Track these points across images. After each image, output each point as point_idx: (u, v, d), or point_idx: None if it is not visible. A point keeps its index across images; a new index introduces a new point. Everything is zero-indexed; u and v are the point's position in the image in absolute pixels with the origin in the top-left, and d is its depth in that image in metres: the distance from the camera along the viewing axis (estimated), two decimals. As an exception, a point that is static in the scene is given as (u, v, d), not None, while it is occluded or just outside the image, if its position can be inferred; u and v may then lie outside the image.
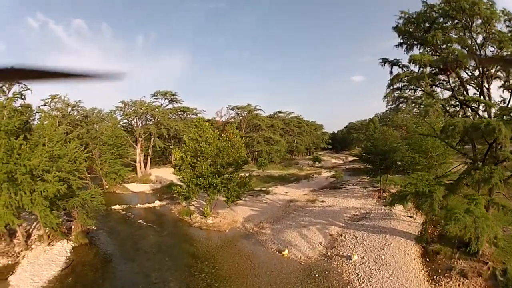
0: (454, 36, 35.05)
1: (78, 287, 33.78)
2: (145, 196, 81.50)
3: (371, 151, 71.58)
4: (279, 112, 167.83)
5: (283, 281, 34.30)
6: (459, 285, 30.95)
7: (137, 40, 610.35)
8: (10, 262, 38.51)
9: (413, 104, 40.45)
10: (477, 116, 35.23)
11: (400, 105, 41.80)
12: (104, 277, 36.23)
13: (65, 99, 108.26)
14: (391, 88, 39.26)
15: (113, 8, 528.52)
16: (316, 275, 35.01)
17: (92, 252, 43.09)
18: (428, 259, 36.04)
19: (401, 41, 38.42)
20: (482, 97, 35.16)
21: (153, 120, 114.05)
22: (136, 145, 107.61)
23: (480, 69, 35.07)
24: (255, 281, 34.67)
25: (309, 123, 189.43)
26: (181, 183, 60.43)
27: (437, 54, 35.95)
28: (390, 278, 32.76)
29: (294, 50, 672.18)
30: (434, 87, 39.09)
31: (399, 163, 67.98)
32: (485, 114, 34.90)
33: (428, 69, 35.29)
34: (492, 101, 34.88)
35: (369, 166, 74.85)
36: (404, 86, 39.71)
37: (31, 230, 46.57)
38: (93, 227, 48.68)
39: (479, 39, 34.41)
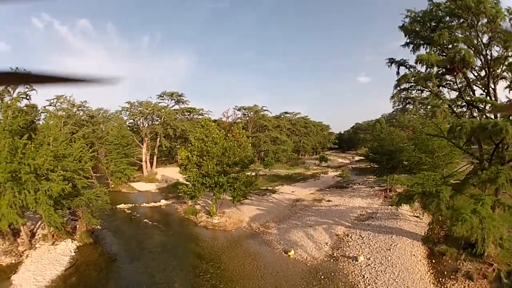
0: (460, 35, 34.78)
1: (82, 287, 33.55)
2: (151, 195, 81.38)
3: (378, 151, 71.34)
4: (286, 112, 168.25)
5: (289, 282, 33.93)
6: (464, 287, 30.63)
7: (143, 40, 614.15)
8: (13, 261, 38.42)
9: (420, 105, 40.09)
10: (484, 116, 34.93)
11: (407, 106, 41.52)
12: (108, 277, 36.05)
13: (71, 100, 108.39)
14: (398, 88, 39.01)
15: (118, 8, 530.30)
16: (322, 277, 34.64)
17: (97, 252, 42.91)
18: (434, 260, 35.59)
19: (408, 40, 38.11)
20: (488, 97, 34.87)
21: (159, 120, 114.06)
22: (142, 144, 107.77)
23: (487, 69, 34.81)
24: (260, 282, 34.31)
25: (316, 123, 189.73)
26: (187, 182, 60.19)
27: (444, 54, 35.66)
28: (396, 280, 32.35)
29: (299, 50, 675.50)
30: (441, 87, 38.80)
31: (406, 162, 67.75)
32: (492, 115, 34.60)
33: (435, 69, 35.06)
34: (498, 102, 34.60)
35: (376, 166, 74.71)
36: (411, 86, 39.46)
37: (35, 229, 46.48)
38: (98, 226, 48.56)
39: (485, 38, 34.12)
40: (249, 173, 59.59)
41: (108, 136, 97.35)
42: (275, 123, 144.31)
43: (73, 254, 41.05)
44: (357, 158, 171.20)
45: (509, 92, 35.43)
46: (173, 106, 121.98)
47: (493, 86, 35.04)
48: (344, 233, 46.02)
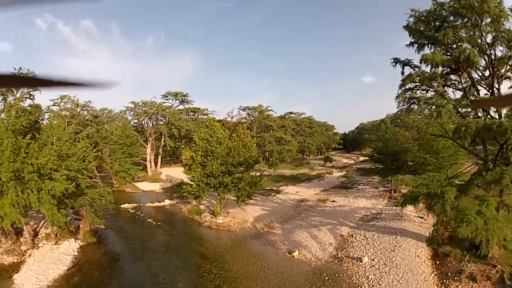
0: (464, 35, 34.63)
1: (84, 286, 33.51)
2: (155, 195, 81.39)
3: (382, 151, 71.05)
4: (291, 112, 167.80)
5: (293, 283, 33.80)
6: (467, 289, 30.54)
7: (147, 41, 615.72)
8: (15, 261, 38.45)
9: (425, 105, 39.94)
10: (489, 116, 34.79)
11: (412, 106, 41.36)
12: (111, 277, 36.00)
13: (75, 99, 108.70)
14: (403, 88, 38.89)
15: (121, 9, 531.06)
16: (326, 278, 34.48)
17: (100, 251, 42.89)
18: (438, 262, 35.35)
19: (412, 40, 37.92)
20: (493, 97, 34.68)
21: (164, 120, 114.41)
22: (147, 144, 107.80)
23: (491, 69, 34.65)
24: (264, 283, 34.18)
25: (321, 123, 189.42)
26: (192, 182, 60.01)
27: (448, 53, 35.51)
28: (400, 281, 32.15)
29: (303, 50, 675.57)
30: (446, 87, 38.66)
31: (410, 163, 67.48)
32: (496, 115, 34.48)
33: (440, 69, 34.96)
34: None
35: (380, 166, 74.48)
36: (416, 86, 39.33)
37: (38, 228, 46.47)
38: (102, 226, 48.61)
39: (489, 38, 33.95)
40: (253, 173, 59.41)
41: (112, 136, 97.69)
42: (279, 123, 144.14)
43: (76, 253, 41.08)
44: (361, 158, 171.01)
45: (514, 92, 35.20)
46: (178, 106, 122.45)
47: (497, 86, 34.80)
48: (348, 234, 45.84)
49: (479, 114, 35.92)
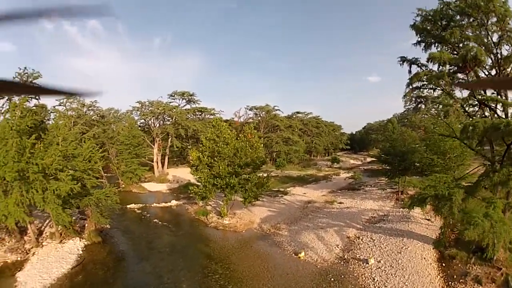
0: (470, 34, 34.44)
1: (87, 286, 33.45)
2: (162, 196, 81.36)
3: (390, 152, 70.73)
4: (298, 112, 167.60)
5: (298, 284, 33.60)
6: (472, 291, 30.37)
7: (154, 41, 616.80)
8: (19, 259, 38.51)
9: (433, 104, 39.71)
10: (496, 115, 34.55)
11: (420, 105, 41.12)
12: (115, 276, 35.93)
13: (80, 99, 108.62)
14: (411, 87, 38.69)
15: (128, 9, 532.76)
16: (332, 279, 34.29)
17: (105, 251, 42.85)
18: (444, 264, 35.17)
19: (419, 39, 37.74)
20: (499, 96, 34.44)
21: (170, 120, 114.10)
22: (154, 144, 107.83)
23: (497, 68, 34.43)
24: (269, 283, 33.99)
25: (328, 123, 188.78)
26: (198, 183, 59.83)
27: (455, 52, 35.34)
28: (406, 283, 31.92)
29: (310, 50, 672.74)
30: (453, 86, 38.44)
31: (417, 164, 67.08)
32: (503, 115, 34.25)
33: (447, 68, 34.73)
34: (510, 100, 34.16)
35: (387, 167, 74.20)
36: (423, 85, 39.11)
37: (43, 227, 46.60)
38: (107, 226, 48.63)
39: (495, 37, 33.79)
40: (260, 174, 59.23)
41: (119, 136, 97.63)
42: (287, 123, 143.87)
43: (81, 252, 41.09)
44: (368, 159, 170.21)
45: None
46: (184, 105, 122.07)
47: (503, 85, 34.50)
48: (355, 236, 45.62)
49: (486, 114, 35.71)
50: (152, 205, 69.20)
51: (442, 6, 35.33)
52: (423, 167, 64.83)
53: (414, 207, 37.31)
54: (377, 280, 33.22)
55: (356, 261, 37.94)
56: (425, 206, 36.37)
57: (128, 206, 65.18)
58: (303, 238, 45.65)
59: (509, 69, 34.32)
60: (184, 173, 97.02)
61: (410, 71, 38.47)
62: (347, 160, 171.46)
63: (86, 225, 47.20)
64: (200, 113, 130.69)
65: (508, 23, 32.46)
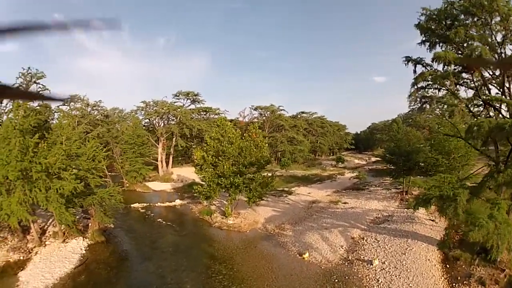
0: (475, 33, 34.29)
1: (90, 285, 33.40)
2: (166, 195, 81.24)
3: (394, 152, 70.42)
4: (303, 112, 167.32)
5: (302, 285, 33.47)
6: (476, 293, 30.25)
7: (158, 41, 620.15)
8: (21, 258, 38.54)
9: (438, 103, 39.59)
10: (500, 116, 34.40)
11: (425, 105, 40.94)
12: (118, 276, 35.87)
13: (85, 99, 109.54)
14: (416, 87, 38.50)
15: (131, 9, 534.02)
16: (336, 280, 34.11)
17: (108, 250, 42.80)
18: (448, 265, 34.99)
19: (424, 38, 37.66)
20: (504, 96, 34.26)
21: (175, 120, 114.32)
22: (158, 144, 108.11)
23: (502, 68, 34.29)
24: (273, 284, 33.88)
25: (333, 123, 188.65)
26: (203, 182, 59.82)
27: (460, 52, 35.23)
28: (410, 285, 31.76)
29: (314, 50, 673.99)
30: (458, 85, 38.24)
31: (422, 164, 66.85)
32: (508, 115, 34.09)
33: (452, 67, 34.56)
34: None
35: (392, 167, 73.96)
36: (428, 85, 38.92)
37: (46, 226, 46.66)
38: (111, 225, 48.52)
39: (499, 37, 33.68)
40: (265, 174, 58.89)
41: (123, 136, 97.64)
42: (291, 123, 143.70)
43: (84, 252, 41.10)
44: (373, 159, 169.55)
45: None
46: (189, 105, 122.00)
47: (508, 85, 34.39)
48: (359, 236, 45.44)
49: (491, 114, 35.55)
50: (156, 205, 69.26)
51: (446, 5, 35.29)
52: (428, 167, 64.68)
53: (419, 207, 37.17)
54: (381, 282, 33.02)
55: (361, 262, 37.74)
56: (430, 206, 36.31)
57: (132, 205, 65.22)
58: (308, 238, 45.49)
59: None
60: (188, 173, 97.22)
61: (415, 71, 38.35)
62: (352, 159, 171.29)
63: (90, 224, 47.27)
64: (204, 113, 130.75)
65: (512, 23, 32.35)
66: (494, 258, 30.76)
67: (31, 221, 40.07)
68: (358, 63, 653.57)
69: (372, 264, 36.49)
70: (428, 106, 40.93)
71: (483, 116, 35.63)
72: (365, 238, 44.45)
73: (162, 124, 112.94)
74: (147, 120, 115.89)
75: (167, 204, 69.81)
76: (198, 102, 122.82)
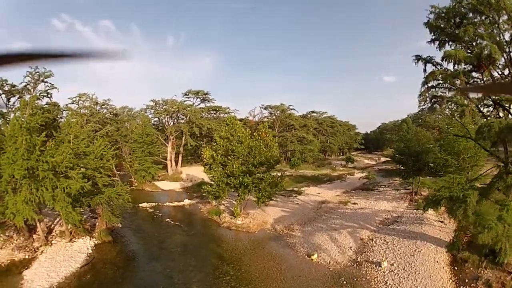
0: (483, 32, 33.91)
1: (96, 284, 33.39)
2: (175, 194, 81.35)
3: (404, 152, 70.31)
4: (313, 112, 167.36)
5: (310, 287, 33.33)
6: (482, 296, 30.01)
7: (167, 41, 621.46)
8: (27, 257, 38.56)
9: (448, 103, 39.25)
10: (510, 116, 34.05)
11: (435, 105, 40.57)
12: (124, 276, 35.75)
13: (93, 97, 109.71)
14: (426, 86, 38.14)
15: (140, 9, 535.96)
16: (344, 282, 33.84)
17: (115, 250, 42.71)
18: (456, 268, 34.78)
19: (433, 37, 37.33)
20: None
21: (185, 118, 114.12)
22: (167, 143, 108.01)
23: (510, 67, 33.87)
24: (281, 286, 33.68)
25: (343, 123, 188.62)
26: (212, 182, 59.51)
27: (469, 51, 34.89)
28: (418, 287, 31.56)
29: (324, 49, 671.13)
30: (468, 85, 37.86)
31: (431, 164, 66.54)
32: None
33: (462, 66, 34.25)
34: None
35: (402, 168, 73.89)
36: (438, 84, 38.54)
37: (53, 225, 46.76)
38: (119, 225, 48.50)
39: (507, 36, 33.29)
40: (275, 174, 58.78)
41: (132, 135, 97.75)
42: (301, 122, 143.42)
43: (90, 251, 41.08)
44: (383, 159, 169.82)
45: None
46: (199, 104, 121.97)
47: (517, 85, 33.98)
48: (368, 237, 45.20)
49: (500, 114, 35.24)
50: (165, 204, 69.21)
51: (454, 3, 34.93)
52: (437, 167, 64.50)
53: (428, 209, 36.96)
54: (390, 284, 32.77)
55: (369, 264, 37.48)
56: (440, 208, 36.39)
57: (140, 204, 65.22)
58: (316, 239, 45.19)
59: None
60: (198, 172, 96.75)
61: (425, 70, 38.08)
62: (362, 160, 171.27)
63: (97, 223, 47.13)
64: (214, 111, 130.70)
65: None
66: (502, 261, 30.44)
67: (37, 220, 40.12)
68: (369, 63, 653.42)
69: (381, 266, 36.19)
70: (438, 106, 40.60)
71: (492, 116, 35.32)
72: (374, 239, 44.16)
73: (172, 123, 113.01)
74: (156, 119, 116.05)
75: (176, 203, 69.72)
76: (208, 101, 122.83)
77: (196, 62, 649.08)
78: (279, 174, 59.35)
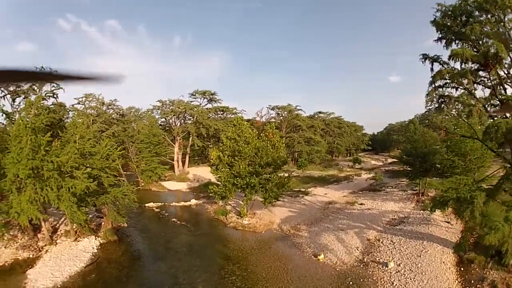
0: (490, 31, 33.74)
1: (100, 284, 33.35)
2: (182, 195, 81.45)
3: (411, 153, 70.11)
4: (320, 112, 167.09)
5: (316, 287, 33.14)
6: (487, 297, 29.86)
7: (174, 40, 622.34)
8: (31, 256, 38.59)
9: (456, 103, 39.07)
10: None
11: (442, 105, 40.37)
12: (129, 275, 35.69)
13: (100, 98, 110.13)
14: (433, 85, 37.91)
15: (146, 9, 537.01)
16: (351, 283, 33.65)
17: (120, 250, 42.70)
18: (462, 268, 34.57)
19: (440, 35, 37.07)
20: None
21: (191, 119, 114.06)
22: (174, 143, 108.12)
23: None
24: (287, 286, 33.50)
25: (350, 124, 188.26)
26: (218, 182, 59.53)
27: (476, 50, 34.66)
28: (424, 288, 31.36)
29: (332, 49, 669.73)
30: (475, 84, 37.67)
31: (438, 165, 66.29)
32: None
33: (469, 65, 34.05)
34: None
35: (409, 168, 73.62)
36: (445, 84, 38.34)
37: (58, 225, 46.81)
38: (124, 224, 48.59)
39: (513, 34, 33.11)
40: (281, 174, 58.84)
41: (139, 135, 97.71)
42: (309, 123, 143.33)
43: (95, 251, 41.09)
44: (390, 160, 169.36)
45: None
46: (206, 105, 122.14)
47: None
48: (375, 238, 45.00)
49: (507, 114, 35.03)
50: (171, 204, 69.28)
51: (460, 1, 34.70)
52: (444, 168, 64.10)
53: (435, 209, 36.87)
54: (396, 285, 32.57)
55: (376, 264, 37.28)
56: (447, 209, 36.27)
57: (146, 204, 65.37)
58: (323, 239, 45.05)
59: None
60: (204, 172, 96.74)
61: (432, 69, 37.69)
62: (369, 160, 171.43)
63: (103, 223, 47.17)
64: (221, 112, 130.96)
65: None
66: (507, 262, 30.36)
67: (42, 219, 40.16)
68: (376, 63, 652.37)
69: (387, 266, 36.00)
70: (446, 107, 40.43)
71: (499, 117, 35.14)
72: (381, 240, 43.96)
73: (179, 124, 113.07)
74: (163, 120, 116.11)
75: (182, 203, 69.75)
76: (215, 102, 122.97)
77: (203, 62, 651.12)
78: (286, 174, 59.33)
